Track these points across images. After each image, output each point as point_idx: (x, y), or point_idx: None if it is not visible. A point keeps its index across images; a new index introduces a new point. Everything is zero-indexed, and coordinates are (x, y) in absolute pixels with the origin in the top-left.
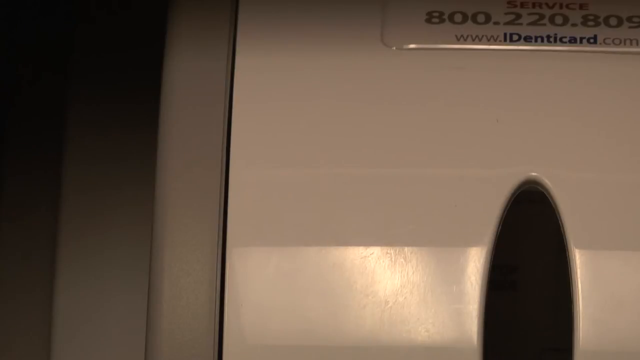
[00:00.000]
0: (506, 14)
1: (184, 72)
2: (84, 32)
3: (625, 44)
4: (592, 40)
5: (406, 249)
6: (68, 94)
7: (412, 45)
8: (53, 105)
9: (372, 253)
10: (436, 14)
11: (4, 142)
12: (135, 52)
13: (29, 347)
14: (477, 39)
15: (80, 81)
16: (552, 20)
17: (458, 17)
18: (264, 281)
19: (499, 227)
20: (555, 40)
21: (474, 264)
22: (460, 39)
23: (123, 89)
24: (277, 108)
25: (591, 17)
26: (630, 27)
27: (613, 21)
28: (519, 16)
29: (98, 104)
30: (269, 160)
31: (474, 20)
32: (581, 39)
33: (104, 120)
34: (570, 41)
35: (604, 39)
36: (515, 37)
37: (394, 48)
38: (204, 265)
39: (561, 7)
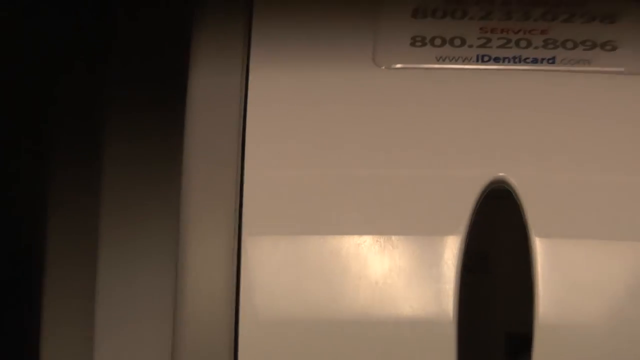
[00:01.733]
0: (479, 38)
1: (204, 86)
2: (123, 38)
3: (579, 64)
4: (551, 61)
5: (393, 237)
6: (107, 96)
7: (398, 65)
8: (92, 106)
9: (365, 241)
10: (419, 39)
11: (49, 142)
12: (169, 58)
13: (74, 329)
14: (454, 60)
15: (119, 83)
16: (517, 43)
17: (437, 41)
18: (273, 265)
19: (472, 219)
20: (520, 61)
21: (451, 251)
22: (439, 59)
23: (158, 94)
24: (285, 116)
25: (550, 41)
26: (583, 50)
27: (569, 44)
28: (489, 40)
29: (134, 107)
30: (278, 161)
31: (451, 44)
32: (542, 59)
33: (140, 121)
34: (532, 61)
35: (561, 60)
36: (486, 58)
37: (384, 67)
38: (223, 252)
39: (525, 32)
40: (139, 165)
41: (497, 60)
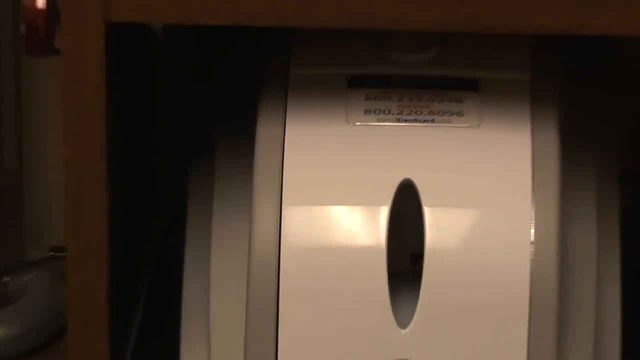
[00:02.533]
0: (397, 109)
1: (265, 131)
2: (229, 87)
3: (445, 123)
4: (432, 121)
5: (357, 207)
6: (218, 121)
7: (358, 123)
8: (208, 124)
9: (343, 209)
10: (368, 110)
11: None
12: (251, 101)
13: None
14: (385, 121)
15: (226, 111)
16: (415, 112)
17: (377, 111)
18: (297, 220)
19: (394, 197)
20: (417, 121)
21: (384, 213)
22: (379, 120)
23: (245, 119)
24: (305, 142)
25: (431, 112)
26: (447, 116)
27: (440, 113)
28: (402, 111)
29: (234, 127)
30: (300, 166)
31: (384, 113)
32: (427, 120)
33: (236, 134)
34: (423, 121)
35: (437, 121)
36: (401, 120)
37: (351, 124)
38: (272, 213)
39: (419, 107)
40: (235, 160)
41: (406, 121)
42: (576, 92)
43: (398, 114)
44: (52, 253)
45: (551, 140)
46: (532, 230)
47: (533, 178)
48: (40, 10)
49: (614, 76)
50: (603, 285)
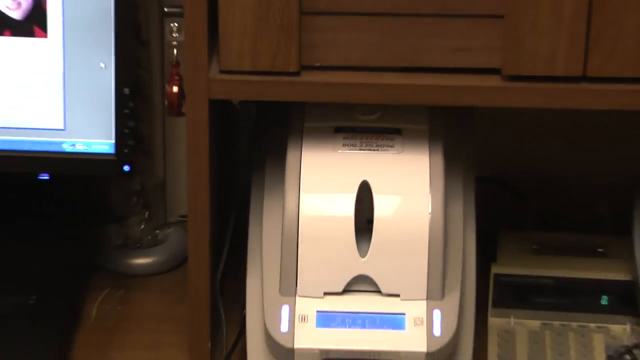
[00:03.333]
0: (360, 144)
1: (292, 154)
2: (273, 132)
3: (385, 151)
4: (376, 150)
5: (339, 194)
6: (265, 144)
7: (340, 151)
8: (256, 147)
9: (329, 196)
10: (345, 144)
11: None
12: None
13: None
14: (354, 150)
15: (270, 138)
16: (369, 145)
17: (350, 145)
18: (310, 202)
19: (358, 189)
20: (370, 150)
21: (352, 198)
22: (350, 149)
23: (284, 142)
24: (315, 157)
25: (377, 145)
26: (385, 148)
27: (382, 145)
28: (362, 145)
29: (274, 146)
30: (313, 170)
31: (353, 146)
32: (375, 149)
33: (277, 149)
34: (374, 150)
35: (381, 150)
36: (362, 149)
37: (336, 152)
38: (295, 197)
39: (371, 142)
40: (276, 170)
41: (364, 150)
42: (452, 129)
43: (360, 146)
44: (180, 218)
45: (439, 159)
46: (430, 206)
47: (430, 179)
48: (175, 93)
49: (473, 119)
50: (465, 237)
